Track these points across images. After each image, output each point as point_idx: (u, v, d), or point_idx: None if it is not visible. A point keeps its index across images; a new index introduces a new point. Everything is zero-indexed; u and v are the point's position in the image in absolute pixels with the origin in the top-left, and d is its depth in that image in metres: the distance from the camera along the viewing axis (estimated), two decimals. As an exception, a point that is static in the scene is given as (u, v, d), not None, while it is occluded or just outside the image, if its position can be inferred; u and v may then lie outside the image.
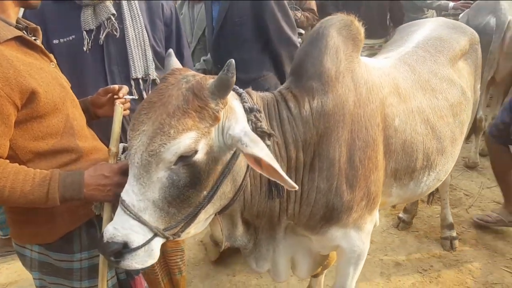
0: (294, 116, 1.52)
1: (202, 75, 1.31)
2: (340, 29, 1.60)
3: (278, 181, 1.19)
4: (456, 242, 2.95)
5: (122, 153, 1.49)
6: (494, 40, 3.39)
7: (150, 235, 1.18)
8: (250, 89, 1.53)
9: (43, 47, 1.42)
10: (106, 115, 1.63)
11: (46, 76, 1.34)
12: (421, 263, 2.86)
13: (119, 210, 1.19)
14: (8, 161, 1.25)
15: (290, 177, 1.54)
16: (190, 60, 2.18)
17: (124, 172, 1.29)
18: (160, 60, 1.96)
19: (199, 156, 1.18)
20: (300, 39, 3.86)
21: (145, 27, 1.92)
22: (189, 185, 1.19)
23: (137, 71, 1.89)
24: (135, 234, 1.16)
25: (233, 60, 1.17)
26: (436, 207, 3.37)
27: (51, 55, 1.47)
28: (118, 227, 1.16)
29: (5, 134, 1.23)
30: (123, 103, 1.55)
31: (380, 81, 1.74)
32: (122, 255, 1.16)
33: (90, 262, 1.49)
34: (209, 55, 3.00)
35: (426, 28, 2.19)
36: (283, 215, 1.62)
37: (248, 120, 1.36)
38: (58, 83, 1.40)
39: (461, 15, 3.87)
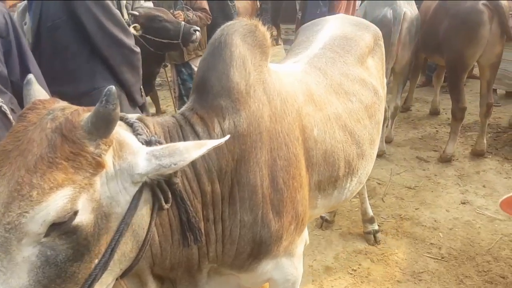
0: None
1: (75, 107, 1.00)
2: (244, 36, 1.39)
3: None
4: (379, 235, 2.98)
5: None
6: (394, 32, 3.50)
7: None
8: (145, 116, 1.25)
9: None
10: None
11: None
12: (350, 263, 2.82)
13: None
14: None
15: (208, 214, 1.32)
16: (41, 78, 1.77)
17: None
18: (3, 81, 1.58)
19: (82, 218, 0.91)
20: (197, 34, 3.60)
21: None
22: (73, 258, 0.91)
23: None
24: None
25: (113, 88, 0.90)
26: (354, 200, 3.39)
27: None
28: None
29: None
30: None
31: (293, 89, 1.57)
32: None
33: None
34: None
35: (330, 26, 2.09)
36: (203, 260, 1.39)
37: None
38: None
39: (359, 8, 3.96)
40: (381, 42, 2.18)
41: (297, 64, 1.81)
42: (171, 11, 4.39)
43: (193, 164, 1.25)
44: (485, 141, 3.88)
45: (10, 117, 1.59)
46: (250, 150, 1.34)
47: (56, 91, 1.89)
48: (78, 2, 2.01)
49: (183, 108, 1.38)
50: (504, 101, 5.20)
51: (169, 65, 5.26)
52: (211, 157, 1.28)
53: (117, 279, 1.13)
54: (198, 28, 3.33)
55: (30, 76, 1.12)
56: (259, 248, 1.42)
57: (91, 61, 2.12)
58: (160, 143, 1.13)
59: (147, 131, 1.16)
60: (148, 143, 1.10)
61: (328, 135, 1.64)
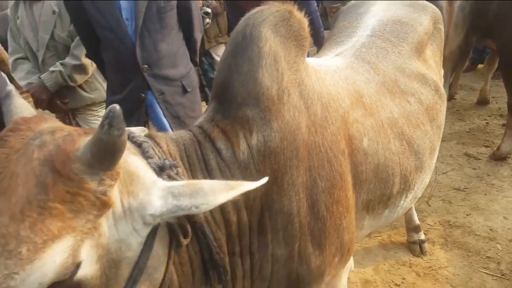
0: (227, 162, 1.05)
1: (67, 128, 0.81)
2: (276, 26, 1.11)
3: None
4: (426, 245, 2.64)
5: None
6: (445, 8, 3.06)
7: None
8: (155, 132, 1.03)
9: None
10: None
11: None
12: (392, 277, 2.51)
13: None
14: None
15: (233, 247, 1.08)
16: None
17: None
18: None
19: (86, 270, 0.74)
20: (208, 19, 3.30)
21: None
22: None
23: None
24: None
25: (117, 107, 0.69)
26: (396, 202, 3.05)
27: None
28: None
29: None
30: None
31: (337, 91, 1.27)
32: None
33: None
34: (58, 65, 2.45)
35: (378, 8, 1.73)
36: None
37: None
38: None
39: None
40: (441, 25, 1.81)
41: (340, 57, 1.49)
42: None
43: None
44: (547, 137, 3.42)
45: None
46: (284, 171, 1.08)
47: (159, 74, 2.03)
48: None
49: (202, 119, 1.13)
50: None
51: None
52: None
53: None
54: (208, 10, 3.00)
55: (10, 88, 0.92)
56: (296, 286, 1.17)
57: (183, 45, 2.20)
58: (176, 167, 0.92)
59: (159, 152, 0.94)
60: (161, 168, 0.89)
61: (381, 146, 1.33)
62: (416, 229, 2.66)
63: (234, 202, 1.04)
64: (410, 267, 2.56)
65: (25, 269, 0.67)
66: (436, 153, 1.66)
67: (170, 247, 0.90)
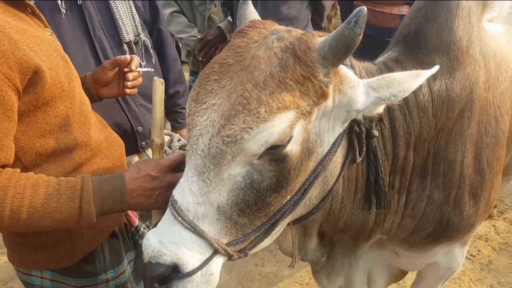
0: (406, 100, 1.11)
1: (300, 30, 0.95)
2: None
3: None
4: (494, 211, 2.79)
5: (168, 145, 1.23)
6: None
7: (209, 252, 0.87)
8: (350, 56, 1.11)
9: (34, 6, 1.07)
10: (111, 95, 1.32)
11: (46, 48, 1.01)
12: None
13: (168, 215, 0.87)
14: (18, 170, 0.94)
15: (393, 181, 1.17)
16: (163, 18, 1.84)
17: (176, 169, 1.02)
18: (142, 18, 1.65)
19: (293, 147, 0.86)
20: None
21: None
22: (273, 188, 0.87)
23: (129, 32, 1.56)
24: (189, 252, 0.84)
25: (365, 8, 0.81)
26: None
27: (44, 18, 1.11)
28: (165, 241, 0.84)
29: (9, 132, 0.92)
30: (135, 78, 1.28)
31: (506, 52, 1.33)
32: (170, 282, 0.85)
33: (118, 281, 1.24)
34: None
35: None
36: (376, 229, 1.27)
37: None
38: (60, 56, 1.07)
39: None
40: None
41: (494, 23, 1.52)
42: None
43: (391, 122, 1.11)
44: None
45: (151, 51, 1.66)
46: (455, 120, 1.16)
47: None
48: None
49: (385, 57, 1.21)
50: None
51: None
52: (414, 120, 1.12)
53: (288, 223, 1.07)
54: None
55: None
56: (444, 231, 1.27)
57: (307, 10, 2.26)
58: None
59: (353, 72, 1.03)
60: None
61: (535, 112, 1.38)
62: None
63: (406, 139, 1.12)
64: (486, 241, 2.64)
65: (258, 126, 0.80)
66: None
67: (345, 160, 1.01)
